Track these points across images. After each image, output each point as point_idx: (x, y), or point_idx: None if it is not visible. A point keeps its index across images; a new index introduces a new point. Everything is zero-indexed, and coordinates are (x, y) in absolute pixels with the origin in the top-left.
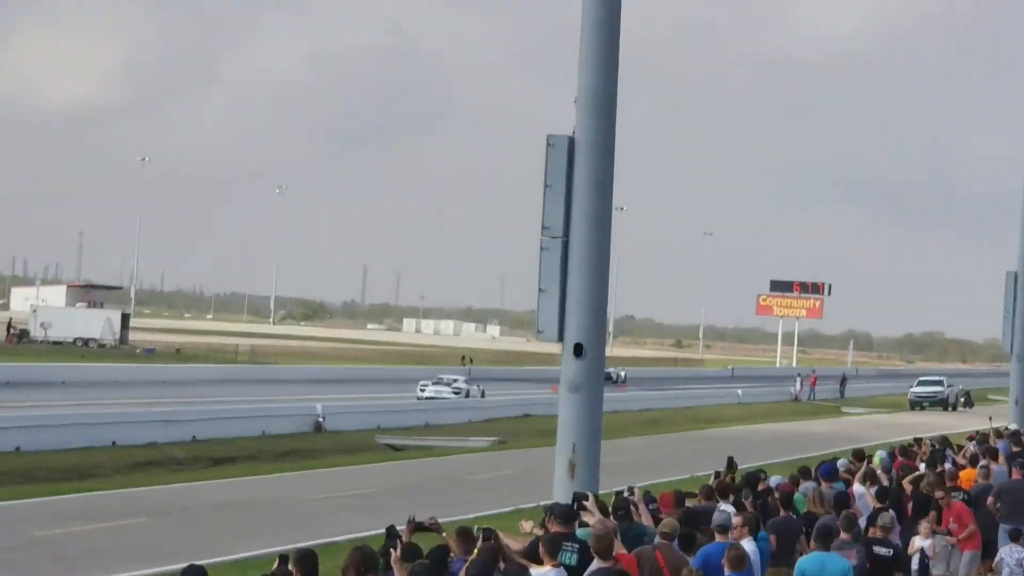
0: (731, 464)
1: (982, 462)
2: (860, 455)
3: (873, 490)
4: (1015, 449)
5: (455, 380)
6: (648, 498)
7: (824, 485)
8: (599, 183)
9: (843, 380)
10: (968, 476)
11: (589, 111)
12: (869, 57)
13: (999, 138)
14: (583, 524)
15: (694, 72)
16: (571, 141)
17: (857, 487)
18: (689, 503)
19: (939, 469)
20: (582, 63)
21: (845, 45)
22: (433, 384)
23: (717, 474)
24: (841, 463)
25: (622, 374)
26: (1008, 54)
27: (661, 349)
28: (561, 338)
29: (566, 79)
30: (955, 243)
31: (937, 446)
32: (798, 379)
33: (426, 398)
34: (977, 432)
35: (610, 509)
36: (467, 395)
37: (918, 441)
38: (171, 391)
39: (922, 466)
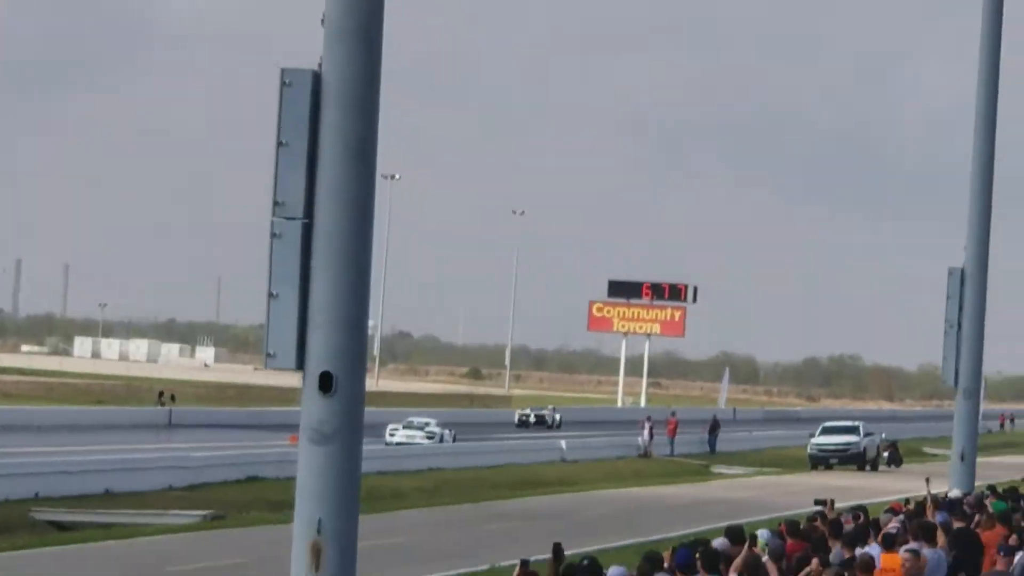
0: (557, 552)
1: (910, 545)
2: (737, 534)
3: None
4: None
5: (427, 424)
6: None
7: None
8: (359, 140)
9: (714, 426)
10: (891, 564)
11: (342, 34)
12: None
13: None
14: None
15: None
16: (316, 78)
17: None
18: None
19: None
20: None
21: None
22: (404, 428)
23: (524, 563)
24: (718, 543)
25: (557, 417)
26: None
27: (450, 381)
28: (301, 365)
29: None
30: (881, 228)
31: (853, 519)
32: (648, 425)
33: (396, 444)
34: (907, 501)
35: None
36: (441, 440)
37: (821, 509)
38: None
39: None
